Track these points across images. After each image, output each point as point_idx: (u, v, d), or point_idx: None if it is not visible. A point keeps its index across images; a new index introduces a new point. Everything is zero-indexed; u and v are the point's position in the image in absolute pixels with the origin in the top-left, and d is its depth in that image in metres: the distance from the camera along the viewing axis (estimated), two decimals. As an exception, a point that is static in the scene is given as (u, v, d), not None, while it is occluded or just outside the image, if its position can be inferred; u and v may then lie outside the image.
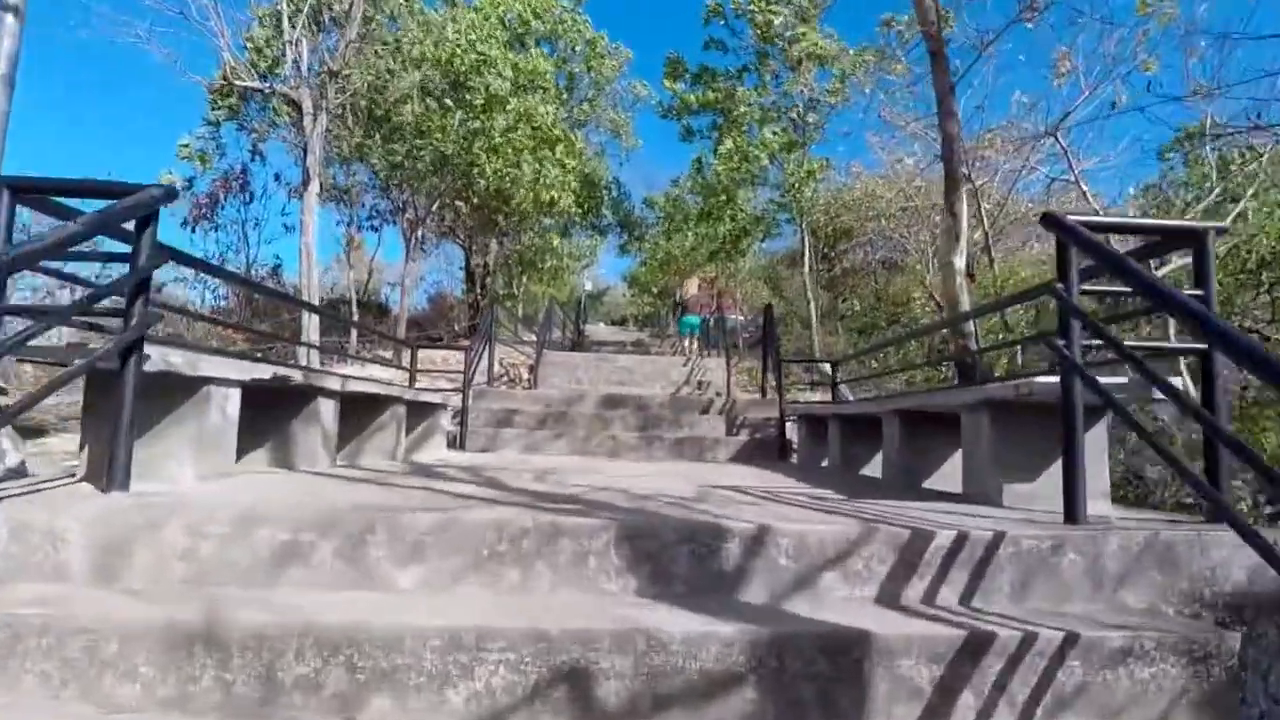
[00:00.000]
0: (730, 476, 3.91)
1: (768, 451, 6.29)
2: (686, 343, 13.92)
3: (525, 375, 10.81)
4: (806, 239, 13.42)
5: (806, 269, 13.40)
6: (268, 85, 7.43)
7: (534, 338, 12.28)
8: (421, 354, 12.14)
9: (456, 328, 15.58)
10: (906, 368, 8.73)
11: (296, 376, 3.17)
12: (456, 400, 6.14)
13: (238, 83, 7.30)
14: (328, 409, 3.55)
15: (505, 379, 10.66)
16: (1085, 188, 7.50)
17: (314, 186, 7.77)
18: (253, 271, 10.55)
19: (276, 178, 10.32)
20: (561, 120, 14.80)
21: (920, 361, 9.06)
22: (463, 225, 15.15)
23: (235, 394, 2.77)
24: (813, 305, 13.04)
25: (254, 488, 2.53)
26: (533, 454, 5.47)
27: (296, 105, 7.80)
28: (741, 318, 21.93)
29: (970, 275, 6.17)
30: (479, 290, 16.40)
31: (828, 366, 8.68)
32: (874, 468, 4.60)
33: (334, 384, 3.55)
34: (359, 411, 4.28)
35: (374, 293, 20.76)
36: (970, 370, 5.87)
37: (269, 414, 3.40)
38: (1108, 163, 9.71)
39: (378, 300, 19.71)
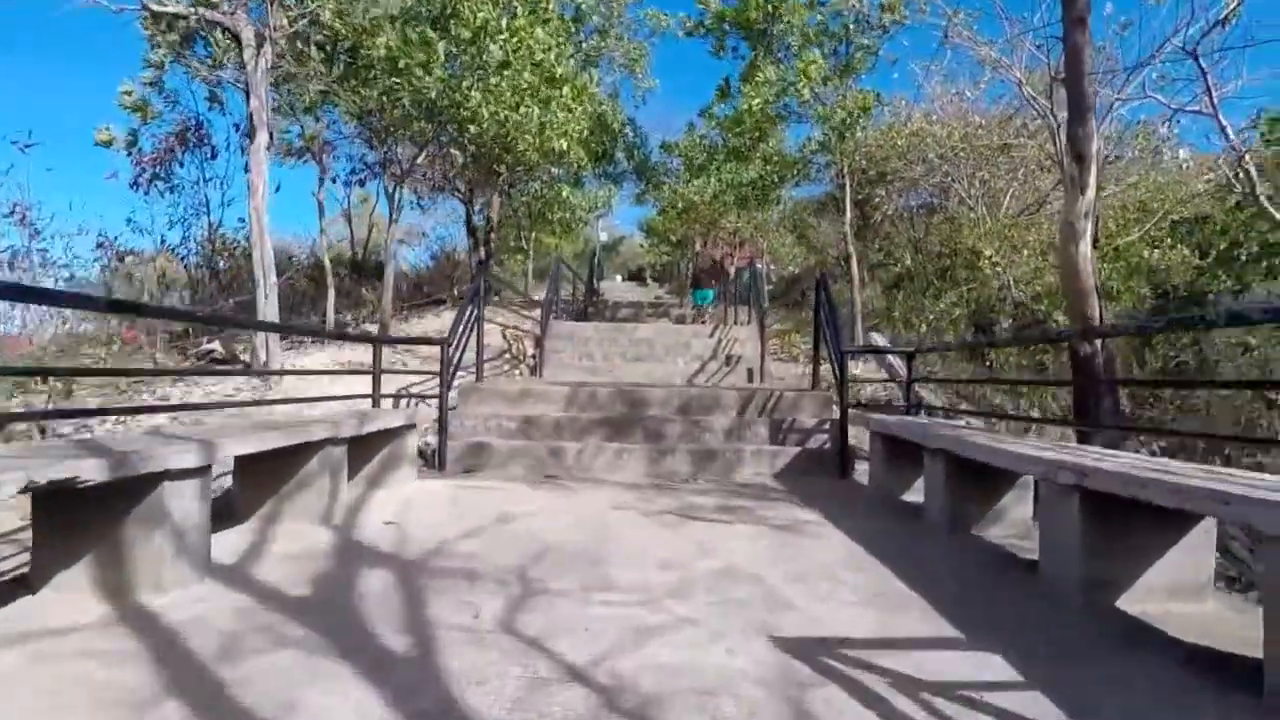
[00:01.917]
0: (818, 572, 2.60)
1: (824, 468, 4.99)
2: (706, 310, 12.95)
3: (530, 351, 9.54)
4: (848, 185, 11.74)
5: (847, 221, 11.74)
6: (193, 11, 5.94)
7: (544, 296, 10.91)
8: (413, 327, 10.89)
9: (457, 292, 14.26)
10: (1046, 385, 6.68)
11: (86, 471, 1.89)
12: (431, 411, 4.88)
13: (154, 7, 5.83)
14: (182, 496, 2.28)
15: (507, 355, 9.41)
16: (1224, 121, 5.84)
17: (262, 138, 6.36)
18: (216, 238, 9.23)
19: (237, 128, 8.86)
20: (569, 56, 13.07)
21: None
22: (461, 176, 13.68)
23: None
24: (854, 262, 11.45)
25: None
26: (523, 495, 4.18)
27: (235, 37, 6.35)
28: (765, 267, 20.35)
29: (1094, 242, 4.67)
30: (483, 248, 15.02)
31: (892, 355, 7.27)
32: (999, 526, 3.28)
33: (189, 458, 2.27)
34: (274, 461, 3.04)
35: (374, 251, 19.49)
36: (1091, 376, 4.42)
37: (85, 512, 2.15)
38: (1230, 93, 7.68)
39: (377, 259, 18.36)
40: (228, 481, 3.56)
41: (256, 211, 6.42)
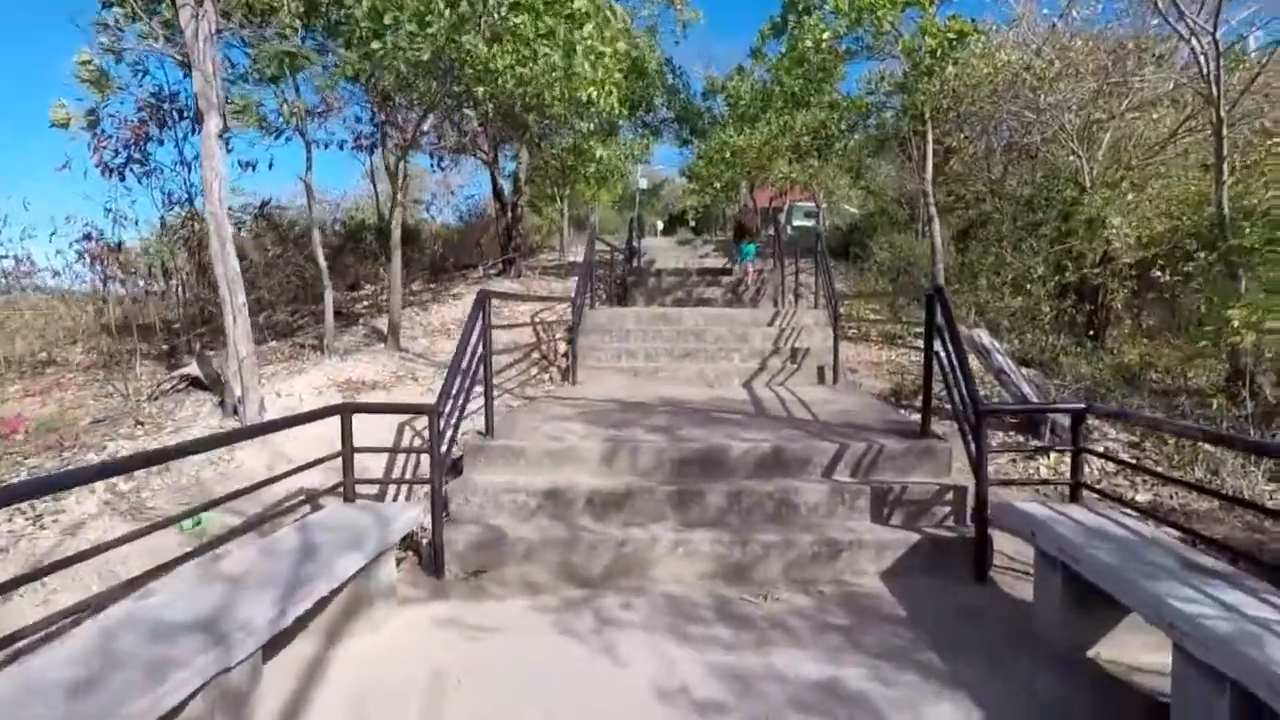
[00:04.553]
0: None
1: (952, 566, 3.65)
2: (750, 268, 12.05)
3: (561, 350, 8.27)
4: (929, 130, 9.86)
5: (928, 177, 9.89)
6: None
7: (583, 248, 9.43)
8: (433, 316, 9.67)
9: (482, 270, 12.99)
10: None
11: None
12: (415, 513, 3.68)
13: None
14: None
15: (536, 355, 8.16)
16: None
17: (212, 124, 5.07)
18: (199, 228, 8.08)
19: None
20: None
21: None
22: (482, 135, 12.23)
23: None
24: (935, 226, 9.68)
25: None
26: (543, 654, 2.95)
27: (171, -3, 5.02)
28: (820, 215, 18.43)
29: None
30: (510, 214, 13.63)
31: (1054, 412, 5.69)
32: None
33: None
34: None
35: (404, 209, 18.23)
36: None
37: None
38: None
39: (412, 221, 16.93)
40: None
41: (214, 216, 5.19)
